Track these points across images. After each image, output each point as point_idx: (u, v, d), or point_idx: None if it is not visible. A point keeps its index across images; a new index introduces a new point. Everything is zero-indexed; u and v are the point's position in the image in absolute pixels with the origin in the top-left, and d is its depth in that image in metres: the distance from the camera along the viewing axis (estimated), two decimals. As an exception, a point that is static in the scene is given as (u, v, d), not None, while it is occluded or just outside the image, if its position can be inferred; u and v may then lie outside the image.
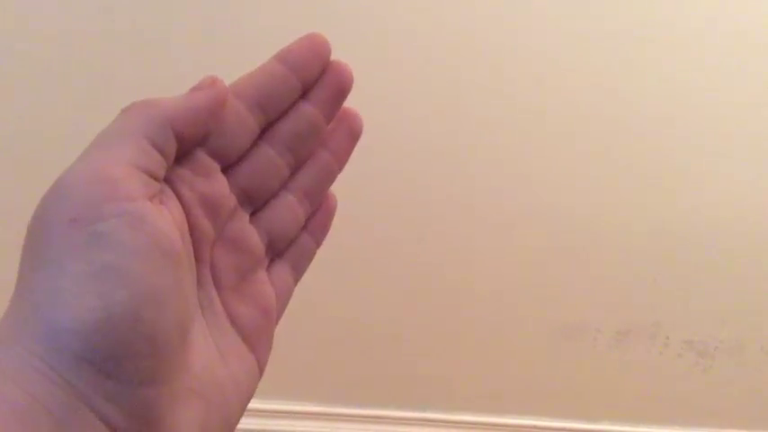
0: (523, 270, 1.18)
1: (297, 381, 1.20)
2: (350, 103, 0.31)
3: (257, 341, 0.29)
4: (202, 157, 0.28)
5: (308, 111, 0.30)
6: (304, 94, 0.30)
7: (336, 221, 0.33)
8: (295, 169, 0.31)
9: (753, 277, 1.20)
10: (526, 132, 1.11)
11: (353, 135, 0.32)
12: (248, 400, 0.29)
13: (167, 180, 0.27)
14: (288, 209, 0.31)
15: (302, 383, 1.22)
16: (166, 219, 0.25)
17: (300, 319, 1.24)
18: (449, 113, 1.10)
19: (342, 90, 0.31)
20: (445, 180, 1.13)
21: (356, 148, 0.32)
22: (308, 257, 0.32)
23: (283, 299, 0.31)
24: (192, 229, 0.27)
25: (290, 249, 0.32)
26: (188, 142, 0.27)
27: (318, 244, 0.33)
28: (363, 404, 1.24)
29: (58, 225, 0.23)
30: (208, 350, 0.27)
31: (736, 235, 1.17)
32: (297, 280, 0.32)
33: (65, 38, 1.03)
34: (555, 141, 1.12)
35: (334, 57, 0.30)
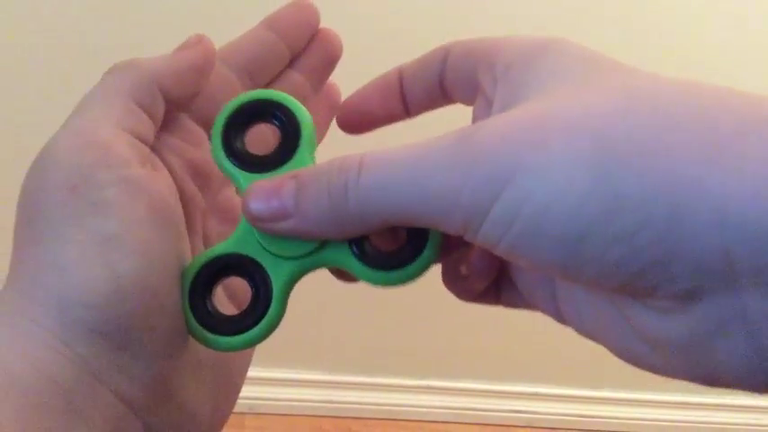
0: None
1: (302, 349, 1.21)
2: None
3: None
4: (189, 123, 0.27)
5: (296, 79, 0.29)
6: (292, 61, 0.29)
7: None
8: None
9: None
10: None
11: (333, 106, 0.31)
12: (248, 368, 0.29)
13: (154, 149, 0.26)
14: None
15: (307, 352, 1.23)
16: (162, 185, 0.24)
17: (305, 289, 1.24)
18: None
19: (331, 59, 0.30)
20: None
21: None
22: None
23: None
24: (183, 198, 0.26)
25: None
26: (175, 102, 0.26)
27: None
28: (367, 372, 1.25)
29: (54, 195, 0.23)
30: None
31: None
32: None
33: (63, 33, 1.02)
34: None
35: (323, 25, 0.29)
